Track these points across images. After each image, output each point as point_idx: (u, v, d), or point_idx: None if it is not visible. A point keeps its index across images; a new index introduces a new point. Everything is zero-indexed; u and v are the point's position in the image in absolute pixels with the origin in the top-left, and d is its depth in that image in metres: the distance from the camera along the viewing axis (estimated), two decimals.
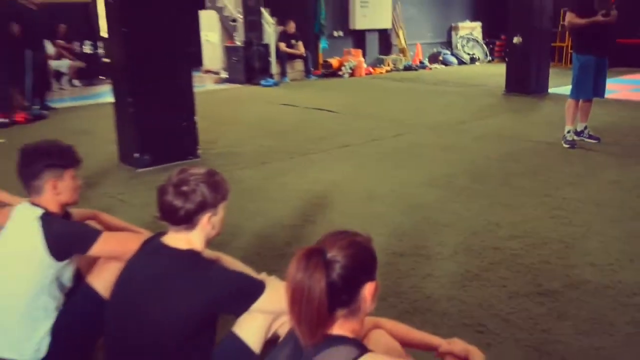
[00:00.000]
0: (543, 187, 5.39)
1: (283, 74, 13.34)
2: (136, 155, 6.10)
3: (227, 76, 13.36)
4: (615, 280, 3.58)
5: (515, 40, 10.74)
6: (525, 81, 10.75)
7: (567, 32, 12.64)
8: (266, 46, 13.16)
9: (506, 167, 6.06)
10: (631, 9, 8.68)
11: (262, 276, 2.41)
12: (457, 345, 2.15)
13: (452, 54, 16.72)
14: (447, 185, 5.49)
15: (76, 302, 2.62)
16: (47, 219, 2.56)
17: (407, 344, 2.25)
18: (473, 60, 16.77)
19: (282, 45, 13.38)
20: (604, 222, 4.54)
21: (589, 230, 4.38)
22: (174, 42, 6.19)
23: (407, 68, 15.29)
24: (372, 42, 15.39)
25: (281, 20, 13.82)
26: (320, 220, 4.62)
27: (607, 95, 7.40)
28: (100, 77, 13.38)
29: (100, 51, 13.55)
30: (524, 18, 10.65)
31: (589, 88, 6.81)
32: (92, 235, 2.59)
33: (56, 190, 2.65)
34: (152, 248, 2.31)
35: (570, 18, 6.78)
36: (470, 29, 17.34)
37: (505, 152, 6.65)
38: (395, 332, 2.25)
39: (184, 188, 2.22)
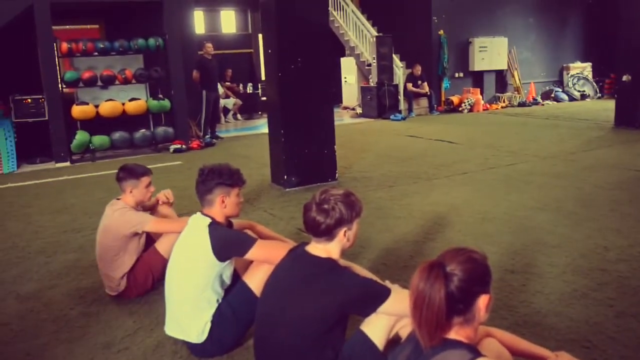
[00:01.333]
0: None
1: (410, 110, 13.27)
2: (285, 177, 6.30)
3: (362, 112, 13.49)
4: None
5: (625, 78, 10.04)
6: (633, 116, 9.96)
7: None
8: (396, 86, 13.19)
9: (614, 195, 5.62)
10: None
11: (386, 283, 2.40)
12: (564, 358, 2.02)
13: (564, 91, 15.80)
14: (556, 209, 5.18)
15: (233, 296, 2.74)
16: (214, 227, 2.71)
17: (516, 353, 2.15)
18: (583, 97, 15.76)
19: (409, 86, 13.35)
20: None
21: None
22: (318, 84, 6.35)
23: (521, 104, 14.65)
24: (490, 81, 14.92)
25: (409, 64, 13.82)
26: (439, 237, 4.52)
27: None
28: (259, 112, 14.02)
29: (259, 91, 14.21)
30: (634, 58, 9.93)
31: None
32: (248, 242, 2.70)
33: (223, 204, 2.80)
34: (297, 255, 2.37)
35: None
36: (580, 69, 16.33)
37: (612, 181, 6.18)
38: (506, 341, 2.15)
39: (325, 206, 2.28)
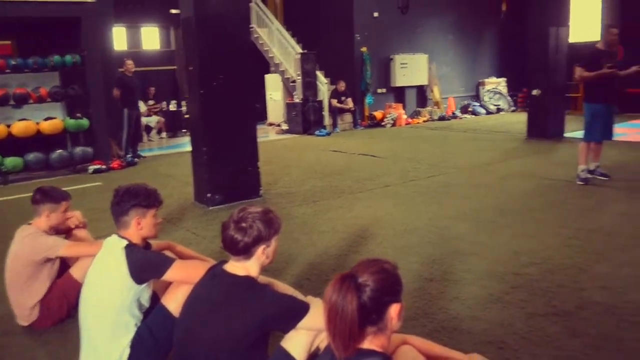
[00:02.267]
0: (559, 220, 5.25)
1: (334, 125, 13.47)
2: (208, 195, 6.23)
3: (287, 128, 13.57)
4: (624, 301, 3.44)
5: (535, 92, 10.66)
6: (544, 127, 10.61)
7: (579, 85, 12.33)
8: (320, 102, 13.38)
9: (527, 203, 5.93)
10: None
11: (309, 298, 2.42)
12: (476, 359, 2.11)
13: (481, 105, 16.54)
14: (474, 219, 5.40)
15: (152, 319, 2.67)
16: (131, 249, 2.64)
17: (432, 358, 2.22)
18: (499, 110, 16.55)
19: (334, 101, 13.56)
20: (614, 250, 4.38)
21: (600, 256, 4.24)
22: (241, 101, 6.35)
23: (441, 118, 15.20)
24: (411, 96, 15.40)
25: (333, 80, 14.06)
26: (362, 250, 4.60)
27: (618, 138, 7.23)
28: (183, 130, 13.81)
29: (183, 109, 14.01)
30: (541, 74, 10.57)
31: (598, 132, 6.67)
32: (166, 263, 2.65)
33: (140, 226, 2.74)
34: (215, 274, 2.36)
35: (579, 72, 6.68)
36: (496, 84, 17.17)
37: (526, 189, 6.52)
38: (422, 347, 2.23)
39: (243, 224, 2.28)
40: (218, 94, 6.15)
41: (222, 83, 6.17)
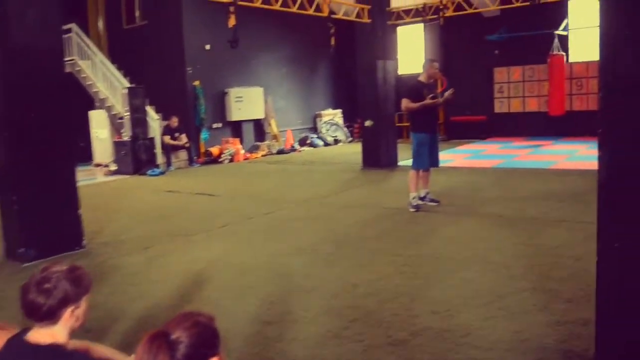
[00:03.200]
0: (393, 247, 5.57)
1: (168, 163, 13.15)
2: (21, 250, 5.68)
3: (117, 168, 12.97)
4: (452, 324, 3.71)
5: (367, 123, 11.29)
6: (378, 157, 11.28)
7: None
8: (152, 139, 13.00)
9: (363, 232, 6.23)
10: (459, 93, 9.39)
11: (130, 358, 2.29)
12: None
13: (319, 137, 17.23)
14: (312, 252, 5.53)
15: None
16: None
17: None
18: (336, 141, 17.38)
19: (167, 138, 13.26)
20: (443, 273, 4.73)
21: (430, 281, 4.55)
22: (57, 141, 5.93)
23: (280, 152, 15.56)
24: (248, 130, 15.60)
25: (165, 116, 13.77)
26: (197, 298, 4.47)
27: (446, 164, 7.90)
28: None
29: None
30: (372, 105, 11.27)
31: (425, 160, 7.23)
32: None
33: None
34: (15, 346, 2.13)
35: (405, 103, 7.21)
36: (332, 115, 18.04)
37: (362, 219, 6.85)
38: None
39: (46, 285, 2.09)
40: (28, 134, 5.68)
41: (33, 122, 5.72)
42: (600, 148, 2.78)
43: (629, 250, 2.71)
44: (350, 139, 17.81)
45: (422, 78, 7.31)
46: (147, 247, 6.12)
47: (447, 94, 7.26)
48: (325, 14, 10.89)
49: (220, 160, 14.06)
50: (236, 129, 15.31)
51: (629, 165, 2.70)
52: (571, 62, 15.29)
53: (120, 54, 15.35)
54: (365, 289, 4.45)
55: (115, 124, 13.68)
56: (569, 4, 14.93)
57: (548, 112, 14.87)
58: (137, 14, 15.53)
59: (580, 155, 11.77)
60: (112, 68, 14.26)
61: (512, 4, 12.13)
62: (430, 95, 7.11)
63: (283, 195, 8.87)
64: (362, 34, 11.52)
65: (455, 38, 16.45)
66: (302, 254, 5.52)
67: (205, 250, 5.88)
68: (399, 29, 17.82)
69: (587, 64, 14.98)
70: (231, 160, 14.11)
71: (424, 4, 13.21)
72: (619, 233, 2.75)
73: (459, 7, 13.05)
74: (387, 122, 11.42)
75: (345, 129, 18.03)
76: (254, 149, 15.36)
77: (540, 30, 14.64)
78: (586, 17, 14.84)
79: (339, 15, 11.33)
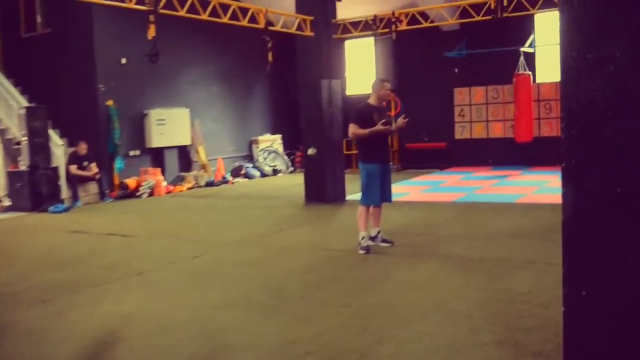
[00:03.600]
0: (340, 297, 5.60)
1: (75, 198, 12.88)
2: None
3: (11, 204, 12.62)
4: None
5: (310, 151, 11.34)
6: (322, 191, 11.34)
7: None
8: (55, 169, 12.74)
9: (304, 279, 6.24)
10: (415, 117, 9.65)
11: None
12: None
13: (255, 167, 17.25)
14: (245, 304, 5.50)
15: None
16: None
17: None
18: (275, 172, 17.45)
19: (73, 168, 13.03)
20: (397, 325, 4.78)
21: (382, 335, 4.58)
22: None
23: (210, 184, 15.50)
24: (172, 159, 15.50)
25: (72, 141, 13.58)
26: None
27: (400, 198, 8.04)
28: None
29: None
30: (316, 130, 11.35)
31: (377, 195, 7.32)
32: None
33: None
34: None
35: (353, 129, 7.32)
36: (270, 142, 18.13)
37: (303, 264, 6.86)
38: None
39: None
40: None
41: None
42: (564, 184, 2.88)
43: (598, 298, 2.80)
44: (292, 168, 17.93)
45: (371, 100, 7.43)
46: (47, 300, 5.95)
47: (399, 121, 7.43)
48: (261, 25, 11.03)
49: (138, 194, 13.88)
50: (157, 157, 15.18)
51: (596, 203, 2.80)
52: (538, 83, 15.96)
53: (17, 67, 15.08)
54: (306, 346, 4.44)
55: (11, 150, 13.38)
56: (536, 18, 15.62)
57: (514, 139, 15.40)
58: (38, 20, 15.32)
59: (551, 187, 12.18)
60: (7, 84, 14.01)
61: (473, 17, 12.60)
62: (382, 121, 7.23)
63: (212, 235, 8.81)
64: (304, 48, 11.70)
65: (411, 54, 16.94)
66: (232, 305, 5.48)
67: (117, 303, 5.77)
68: (347, 44, 18.25)
69: (556, 84, 15.63)
70: (151, 194, 13.95)
71: (375, 16, 13.58)
72: (586, 280, 2.84)
73: (413, 20, 13.43)
74: (333, 150, 11.54)
75: (286, 157, 18.15)
76: (178, 180, 15.23)
77: (505, 46, 15.24)
78: (554, 33, 15.56)
79: (278, 27, 11.48)
